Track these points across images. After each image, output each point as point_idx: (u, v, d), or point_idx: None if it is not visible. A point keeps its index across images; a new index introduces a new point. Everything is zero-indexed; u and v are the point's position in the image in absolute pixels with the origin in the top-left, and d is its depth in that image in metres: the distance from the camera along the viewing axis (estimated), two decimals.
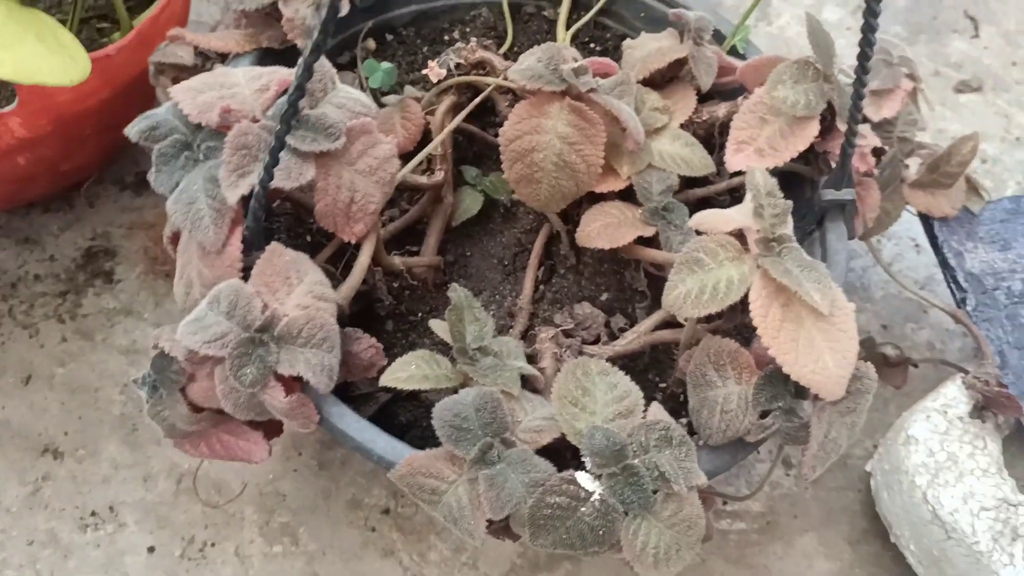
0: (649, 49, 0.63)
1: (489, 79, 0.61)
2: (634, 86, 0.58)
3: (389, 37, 0.70)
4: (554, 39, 0.71)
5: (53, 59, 0.48)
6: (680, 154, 0.59)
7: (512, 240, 0.67)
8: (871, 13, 0.44)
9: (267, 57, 0.60)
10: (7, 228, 0.75)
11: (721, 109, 0.61)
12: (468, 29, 0.71)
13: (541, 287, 0.64)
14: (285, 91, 0.49)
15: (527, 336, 0.60)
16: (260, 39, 0.59)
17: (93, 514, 0.65)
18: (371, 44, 0.69)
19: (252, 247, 0.47)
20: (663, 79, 0.63)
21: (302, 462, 0.67)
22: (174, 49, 0.57)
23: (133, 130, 0.49)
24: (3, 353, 0.70)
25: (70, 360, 0.70)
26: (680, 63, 0.62)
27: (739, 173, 0.59)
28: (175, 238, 0.50)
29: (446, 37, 0.71)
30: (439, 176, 0.61)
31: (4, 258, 0.74)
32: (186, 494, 0.66)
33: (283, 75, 0.50)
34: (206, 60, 0.58)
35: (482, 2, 0.72)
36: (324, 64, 0.51)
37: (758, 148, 0.55)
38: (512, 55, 0.71)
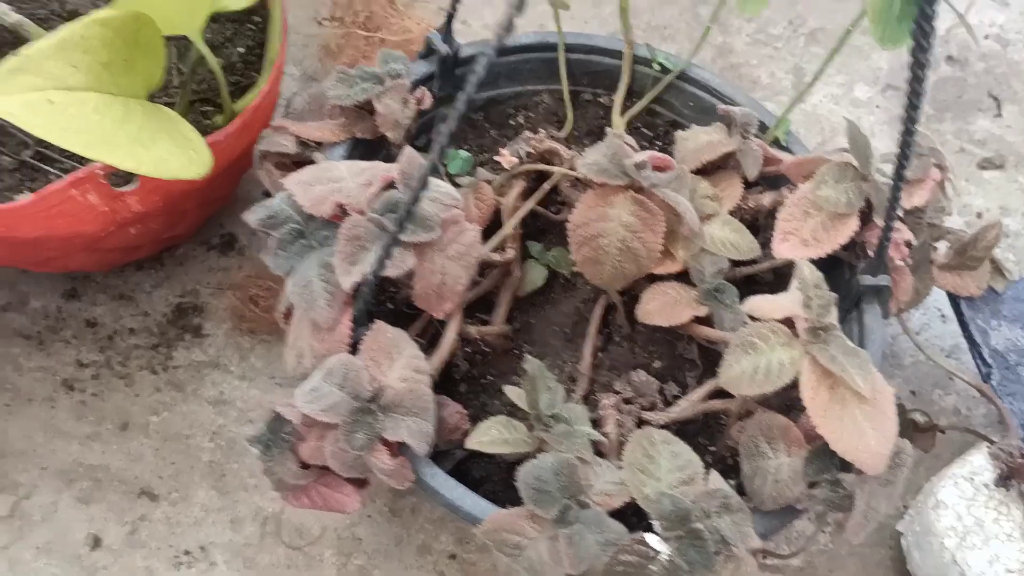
0: (700, 142, 0.69)
1: (556, 168, 0.68)
2: (689, 178, 0.65)
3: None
4: (609, 124, 0.77)
5: (183, 155, 0.55)
6: (729, 239, 0.65)
7: (571, 309, 0.73)
8: (909, 132, 0.50)
9: (358, 145, 0.67)
10: (104, 285, 0.82)
11: (766, 198, 0.68)
12: (532, 114, 0.78)
13: (599, 354, 0.70)
14: (387, 186, 0.56)
15: (588, 400, 0.67)
16: (353, 130, 0.66)
17: (186, 553, 0.71)
18: None
19: (359, 324, 0.54)
20: (711, 167, 0.69)
21: (376, 509, 0.73)
22: (278, 139, 0.64)
23: (253, 218, 0.56)
24: (102, 402, 0.77)
25: (163, 409, 0.77)
26: (728, 155, 0.68)
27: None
28: (288, 313, 0.57)
29: (511, 121, 0.78)
30: (510, 254, 0.67)
31: (102, 313, 0.81)
32: (270, 537, 0.72)
33: (383, 171, 0.57)
34: (305, 147, 0.65)
35: (544, 89, 0.79)
36: (416, 158, 0.58)
37: (803, 239, 0.61)
38: (572, 139, 0.78)
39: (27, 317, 0.80)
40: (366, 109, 0.66)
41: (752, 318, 0.55)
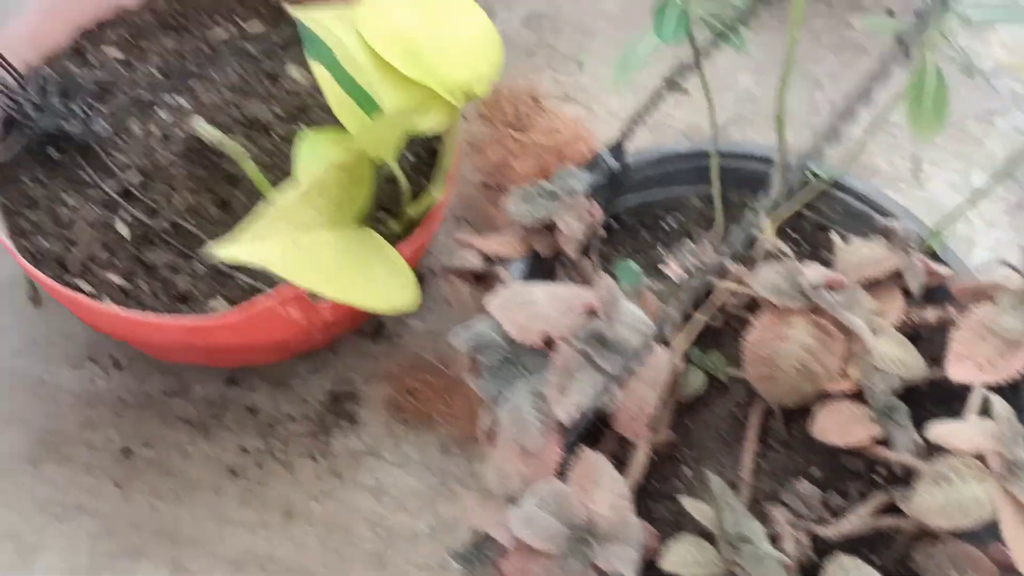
0: (862, 256, 0.71)
1: (724, 283, 0.70)
2: (861, 296, 0.67)
3: (614, 224, 0.80)
4: (758, 227, 0.80)
5: (396, 284, 0.58)
6: (898, 355, 0.67)
7: (726, 412, 0.75)
8: None
9: (536, 260, 0.70)
10: (263, 373, 0.85)
11: (929, 314, 0.69)
12: (682, 216, 0.81)
13: (758, 460, 0.72)
14: (588, 312, 0.59)
15: (753, 509, 0.68)
16: (531, 245, 0.69)
17: None
18: (602, 233, 0.78)
19: (567, 451, 0.57)
20: (872, 281, 0.71)
21: None
22: (465, 254, 0.67)
23: (460, 341, 0.59)
24: (266, 489, 0.80)
25: (324, 497, 0.80)
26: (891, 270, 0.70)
27: None
28: (491, 433, 0.60)
29: (664, 224, 0.80)
30: (680, 365, 0.70)
31: (261, 400, 0.84)
32: None
33: (584, 299, 0.59)
34: (488, 261, 0.68)
35: (692, 192, 0.81)
36: (613, 287, 0.60)
37: (977, 363, 0.63)
38: (722, 242, 0.80)
39: (191, 404, 0.83)
40: (546, 226, 0.68)
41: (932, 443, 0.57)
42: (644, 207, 0.81)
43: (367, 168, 0.60)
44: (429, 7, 0.71)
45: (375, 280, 0.56)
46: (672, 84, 0.66)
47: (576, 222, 0.68)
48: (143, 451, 0.81)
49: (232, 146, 0.68)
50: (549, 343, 0.58)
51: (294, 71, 0.81)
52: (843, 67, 1.13)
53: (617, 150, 0.72)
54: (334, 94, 0.64)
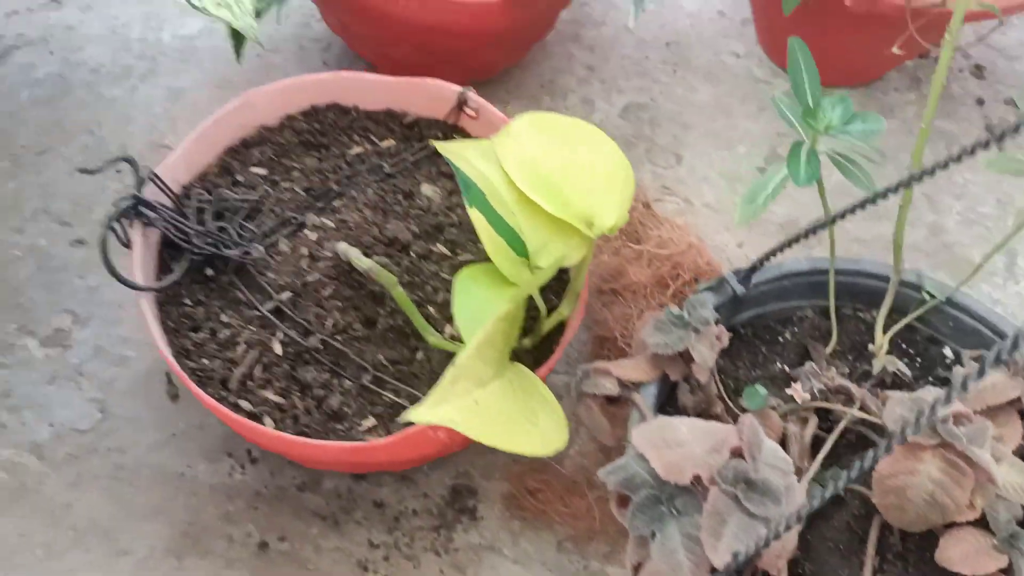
0: (984, 384, 0.74)
1: (849, 410, 0.73)
2: (987, 429, 0.69)
3: (732, 337, 0.83)
4: (870, 339, 0.83)
5: (551, 423, 0.62)
6: (1019, 483, 0.70)
7: (843, 524, 0.78)
8: None
9: (665, 383, 0.73)
10: None
11: None
12: (796, 329, 0.84)
13: (876, 574, 0.75)
14: (735, 453, 0.63)
15: None
16: (663, 369, 0.73)
17: None
18: None
19: None
20: (990, 407, 0.74)
21: None
22: (602, 381, 0.71)
23: (610, 479, 0.63)
24: None
25: None
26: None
27: None
28: (638, 567, 0.63)
29: (780, 338, 0.84)
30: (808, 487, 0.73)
31: (387, 494, 0.88)
32: None
33: (731, 441, 0.63)
34: (622, 386, 0.72)
35: (807, 305, 0.84)
36: (755, 426, 0.64)
37: None
38: (836, 354, 0.83)
39: (322, 497, 0.88)
40: (679, 353, 0.72)
41: None
42: (760, 319, 0.84)
43: (522, 308, 0.64)
44: (564, 140, 0.75)
45: (537, 424, 0.60)
46: (809, 232, 0.69)
47: (708, 351, 0.72)
48: (279, 545, 0.85)
49: (383, 274, 0.73)
50: (697, 481, 0.61)
51: (427, 189, 0.86)
52: (934, 155, 1.16)
53: (745, 277, 0.75)
54: (488, 235, 0.68)
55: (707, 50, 1.23)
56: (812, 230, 0.68)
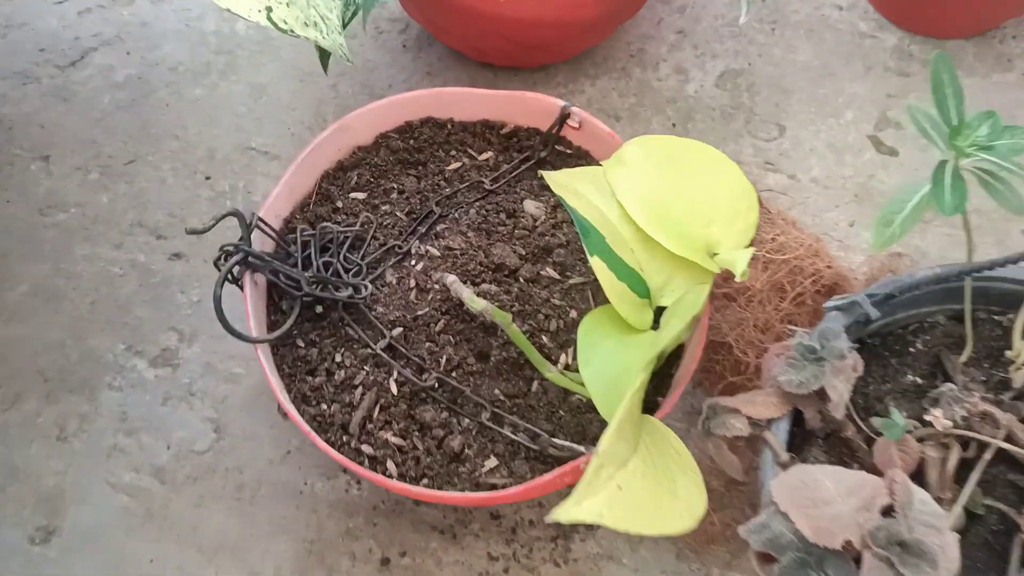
0: None
1: (994, 442, 0.70)
2: None
3: (857, 347, 0.80)
4: (1006, 345, 0.78)
5: (690, 486, 0.60)
6: None
7: (981, 541, 0.75)
8: None
9: (796, 415, 0.71)
10: None
11: None
12: (928, 337, 0.80)
13: None
14: (885, 510, 0.60)
15: None
16: (794, 404, 0.70)
17: None
18: None
19: None
20: None
21: None
22: (731, 421, 0.69)
23: (753, 538, 0.61)
24: None
25: None
26: None
27: None
28: None
29: (910, 348, 0.80)
30: (957, 512, 0.70)
31: (503, 506, 0.89)
32: None
33: (881, 499, 0.60)
34: (753, 424, 0.70)
35: (939, 311, 0.80)
36: (906, 481, 0.61)
37: None
38: (971, 362, 0.79)
39: (438, 511, 0.88)
40: (814, 390, 0.69)
41: None
42: (888, 328, 0.80)
43: (654, 363, 0.61)
44: (681, 165, 0.71)
45: (677, 493, 0.58)
46: (941, 280, 0.65)
47: (844, 385, 0.68)
48: (400, 560, 0.86)
49: (499, 314, 0.70)
50: (847, 545, 0.59)
51: (530, 205, 0.82)
52: None
53: (882, 301, 0.71)
54: (609, 282, 0.65)
55: (806, 3, 1.15)
56: (970, 271, 0.64)
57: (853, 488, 0.62)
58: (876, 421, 0.74)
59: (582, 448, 0.68)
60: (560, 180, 0.71)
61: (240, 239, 0.73)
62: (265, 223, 0.76)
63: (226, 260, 0.73)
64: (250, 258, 0.70)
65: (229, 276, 0.71)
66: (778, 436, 0.70)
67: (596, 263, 0.65)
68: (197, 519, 0.88)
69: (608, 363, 0.63)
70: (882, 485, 0.61)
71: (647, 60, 1.10)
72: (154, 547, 0.87)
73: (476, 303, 0.72)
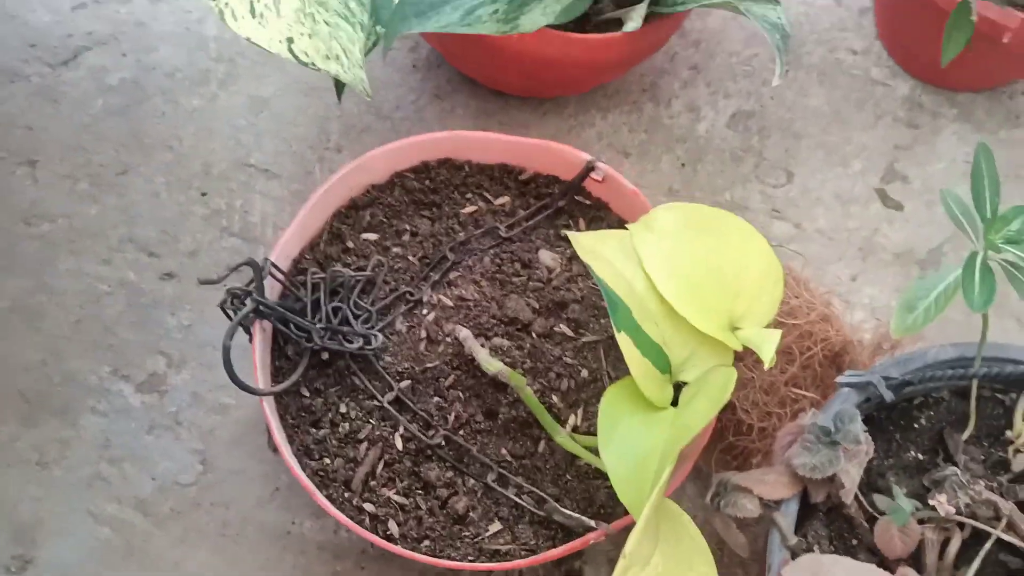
0: None
1: (994, 531, 0.70)
2: None
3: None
4: (1007, 423, 0.79)
5: (705, 569, 0.59)
6: None
7: None
8: None
9: (805, 499, 0.70)
10: None
11: None
12: (931, 412, 0.80)
13: None
14: None
15: None
16: (803, 487, 0.69)
17: None
18: None
19: None
20: None
21: None
22: (743, 502, 0.68)
23: None
24: None
25: None
26: None
27: None
28: None
29: (915, 424, 0.79)
30: None
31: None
32: None
33: None
34: (764, 506, 0.69)
35: (943, 386, 0.80)
36: None
37: None
38: (972, 439, 0.79)
39: None
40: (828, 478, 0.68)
41: None
42: (894, 405, 0.80)
43: (676, 454, 0.60)
44: (709, 235, 0.69)
45: None
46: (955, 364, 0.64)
47: (856, 470, 0.68)
48: None
49: (514, 377, 0.69)
50: None
51: (545, 256, 0.80)
52: None
53: (898, 386, 0.71)
54: (633, 357, 0.63)
55: (821, 46, 1.13)
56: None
57: None
58: (880, 500, 0.74)
59: (592, 523, 0.67)
60: (586, 244, 0.69)
61: (250, 283, 0.70)
62: (276, 268, 0.73)
63: (232, 303, 0.70)
64: (261, 307, 0.68)
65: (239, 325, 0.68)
66: (787, 517, 0.69)
67: (623, 340, 0.63)
68: (180, 556, 0.86)
69: (629, 445, 0.61)
70: None
71: (660, 95, 1.08)
72: None
73: (491, 365, 0.70)
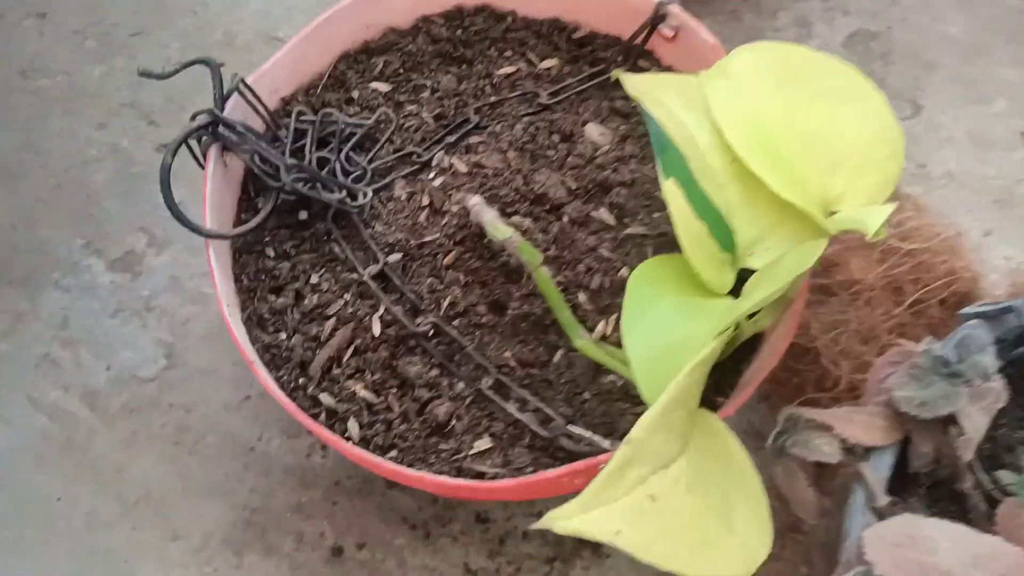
0: None
1: None
2: None
3: None
4: None
5: (752, 523, 0.41)
6: None
7: None
8: None
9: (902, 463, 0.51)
10: None
11: None
12: None
13: None
14: None
15: None
16: (907, 433, 0.50)
17: None
18: None
19: None
20: None
21: None
22: (818, 441, 0.50)
23: None
24: None
25: None
26: None
27: None
28: None
29: None
30: None
31: (495, 508, 0.70)
32: None
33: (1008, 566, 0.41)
34: (846, 449, 0.50)
35: None
36: None
37: None
38: None
39: (415, 500, 0.70)
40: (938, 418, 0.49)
41: None
42: None
43: (730, 332, 0.43)
44: (804, 87, 0.52)
45: (733, 526, 0.40)
46: None
47: (981, 416, 0.49)
48: (356, 553, 0.69)
49: (526, 249, 0.53)
50: None
51: (593, 130, 0.64)
52: None
53: None
54: (684, 219, 0.47)
55: None
56: None
57: (980, 558, 0.42)
58: (1004, 475, 0.54)
59: (607, 443, 0.50)
60: (641, 84, 0.52)
61: (210, 110, 0.56)
62: (253, 92, 0.59)
63: (198, 134, 0.57)
64: (220, 127, 0.54)
65: (190, 145, 0.54)
66: (878, 471, 0.50)
67: (670, 190, 0.47)
68: (124, 460, 0.72)
69: (662, 329, 0.44)
70: (1018, 560, 0.42)
71: (763, 5, 0.92)
72: (67, 485, 0.71)
73: (499, 229, 0.54)
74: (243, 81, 0.57)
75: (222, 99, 0.56)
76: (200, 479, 0.71)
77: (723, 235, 0.49)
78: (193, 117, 0.58)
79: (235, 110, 0.60)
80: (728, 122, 0.49)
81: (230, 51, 0.88)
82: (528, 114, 0.66)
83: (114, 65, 0.87)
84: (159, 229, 0.80)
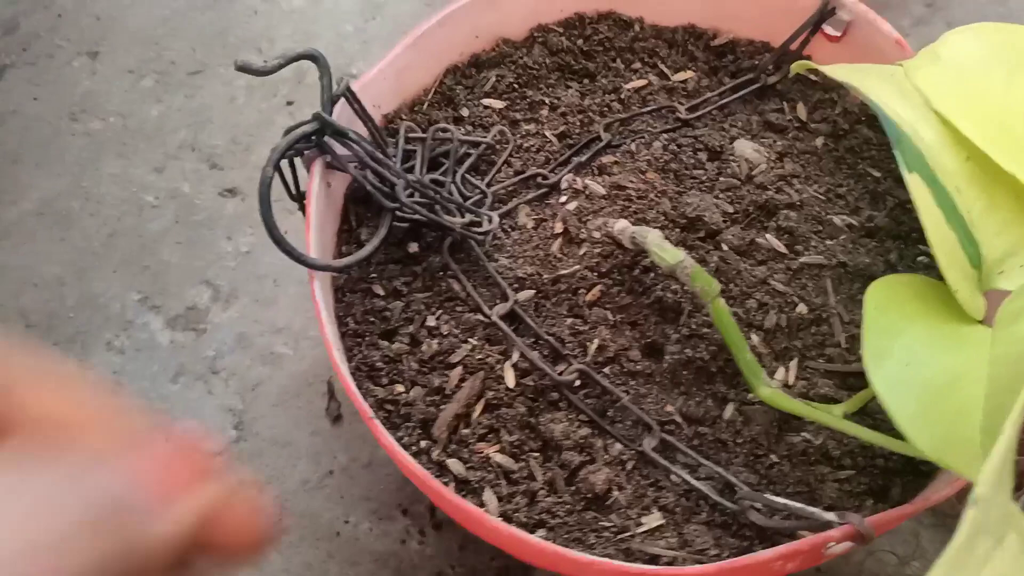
0: None
1: None
2: None
3: None
4: None
5: None
6: None
7: None
8: None
9: None
10: None
11: None
12: None
13: None
14: None
15: None
16: None
17: None
18: None
19: None
20: None
21: None
22: None
23: None
24: None
25: None
26: None
27: None
28: None
29: None
30: None
31: None
32: None
33: None
34: None
35: None
36: None
37: None
38: None
39: None
40: None
41: None
42: None
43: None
44: None
45: None
46: None
47: None
48: None
49: (701, 276, 0.43)
50: None
51: (744, 147, 0.55)
52: None
53: None
54: (936, 227, 0.37)
55: None
56: None
57: None
58: None
59: (831, 515, 0.39)
60: (839, 73, 0.43)
61: (317, 114, 0.48)
62: (359, 103, 0.50)
63: (295, 149, 0.48)
64: (329, 133, 0.45)
65: (291, 158, 0.45)
66: None
67: (916, 186, 0.37)
68: None
69: (918, 364, 0.34)
70: None
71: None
72: None
73: (668, 252, 0.44)
74: (350, 90, 0.48)
75: (330, 102, 0.47)
76: (274, 568, 0.60)
77: (969, 244, 0.39)
78: (286, 132, 0.49)
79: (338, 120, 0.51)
80: (958, 113, 0.40)
81: (300, 89, 0.80)
82: (666, 130, 0.57)
83: (172, 104, 0.79)
84: (223, 281, 0.71)
